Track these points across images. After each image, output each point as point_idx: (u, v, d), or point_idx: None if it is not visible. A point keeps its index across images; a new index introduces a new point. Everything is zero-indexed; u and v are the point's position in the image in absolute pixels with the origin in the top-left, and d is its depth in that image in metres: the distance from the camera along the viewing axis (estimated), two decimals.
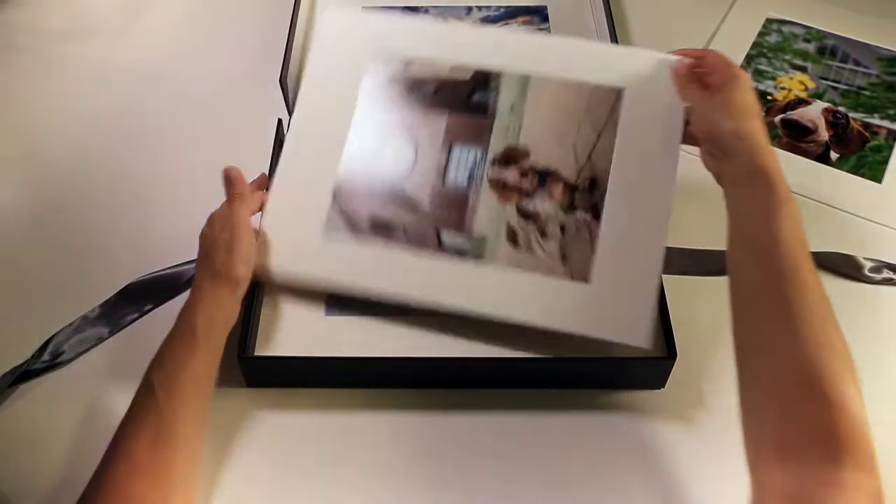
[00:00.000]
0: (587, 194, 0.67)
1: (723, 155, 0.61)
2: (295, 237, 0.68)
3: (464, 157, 0.69)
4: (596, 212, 0.66)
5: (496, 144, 0.69)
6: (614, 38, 0.88)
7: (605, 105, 0.68)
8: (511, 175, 0.68)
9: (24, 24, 0.97)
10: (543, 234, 0.66)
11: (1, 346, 0.69)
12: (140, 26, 0.97)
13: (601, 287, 0.65)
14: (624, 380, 0.67)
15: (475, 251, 0.66)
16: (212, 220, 0.65)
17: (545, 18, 0.98)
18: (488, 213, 0.68)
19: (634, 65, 0.70)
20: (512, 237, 0.67)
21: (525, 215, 0.67)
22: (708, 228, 0.79)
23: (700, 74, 0.66)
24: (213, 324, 0.59)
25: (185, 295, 0.72)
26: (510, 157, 0.68)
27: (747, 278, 0.57)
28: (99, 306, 0.71)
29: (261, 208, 0.69)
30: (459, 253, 0.66)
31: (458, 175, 0.68)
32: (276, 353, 0.67)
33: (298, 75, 0.88)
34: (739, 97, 0.62)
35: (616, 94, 0.69)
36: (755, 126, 0.61)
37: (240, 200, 0.65)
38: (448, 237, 0.67)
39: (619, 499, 0.62)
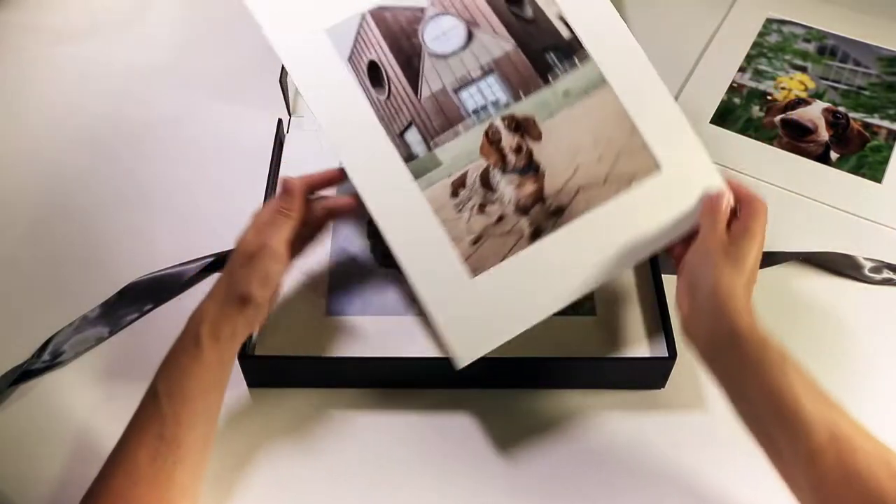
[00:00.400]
0: (545, 216, 0.63)
1: (699, 304, 0.56)
2: (306, 20, 0.64)
3: (490, 91, 0.65)
4: (536, 234, 0.62)
5: (524, 107, 0.65)
6: None
7: (635, 165, 0.64)
8: (508, 140, 0.64)
9: (24, 24, 0.97)
10: (482, 208, 0.63)
11: (1, 346, 0.69)
12: (140, 26, 0.97)
13: (478, 292, 0.61)
14: (624, 380, 0.67)
15: (419, 166, 0.63)
16: (252, 221, 0.60)
17: None
18: (461, 147, 0.64)
19: (689, 160, 0.64)
20: (457, 186, 0.63)
21: (484, 180, 0.63)
22: None
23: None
24: (219, 334, 0.57)
25: (185, 295, 0.73)
26: (522, 126, 0.64)
27: (783, 454, 0.50)
28: (99, 306, 0.71)
29: (314, 224, 0.65)
30: (407, 156, 0.63)
31: (472, 98, 0.65)
32: (276, 353, 0.67)
33: None
34: (752, 259, 0.57)
35: (651, 166, 0.64)
36: (743, 286, 0.56)
37: (284, 217, 0.60)
38: (412, 135, 0.64)
39: (619, 498, 0.62)
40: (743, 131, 0.88)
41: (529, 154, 0.64)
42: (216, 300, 0.58)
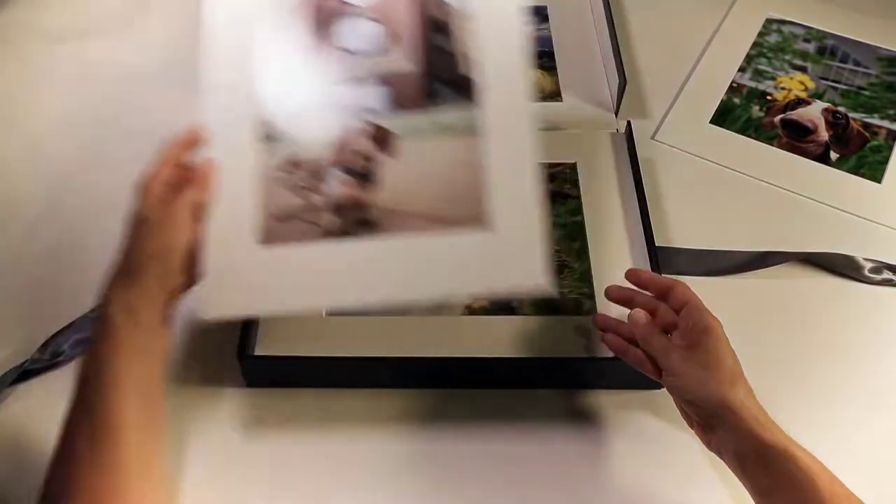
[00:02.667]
0: (355, 222, 0.60)
1: (712, 427, 0.56)
2: None
3: (370, 98, 0.63)
4: (340, 234, 0.60)
5: (394, 123, 0.63)
6: (614, 38, 0.88)
7: (462, 215, 0.61)
8: (361, 144, 0.62)
9: (24, 24, 0.97)
10: (302, 190, 0.61)
11: (1, 346, 0.69)
12: (140, 26, 0.97)
13: (256, 259, 0.59)
14: (624, 380, 0.67)
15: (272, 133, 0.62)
16: (148, 183, 0.58)
17: (545, 18, 0.98)
18: (316, 131, 0.63)
19: (522, 236, 0.60)
20: (294, 163, 0.62)
21: (318, 169, 0.62)
22: (708, 228, 0.79)
23: (666, 313, 0.61)
24: (131, 307, 0.54)
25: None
26: (383, 138, 0.62)
27: None
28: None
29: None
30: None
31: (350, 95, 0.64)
32: (276, 353, 0.67)
33: None
34: (721, 358, 0.56)
35: (479, 222, 0.60)
36: (743, 391, 0.55)
37: (185, 179, 0.59)
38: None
39: (618, 499, 0.62)
40: (743, 131, 0.88)
41: (373, 165, 0.62)
42: (120, 276, 0.56)
